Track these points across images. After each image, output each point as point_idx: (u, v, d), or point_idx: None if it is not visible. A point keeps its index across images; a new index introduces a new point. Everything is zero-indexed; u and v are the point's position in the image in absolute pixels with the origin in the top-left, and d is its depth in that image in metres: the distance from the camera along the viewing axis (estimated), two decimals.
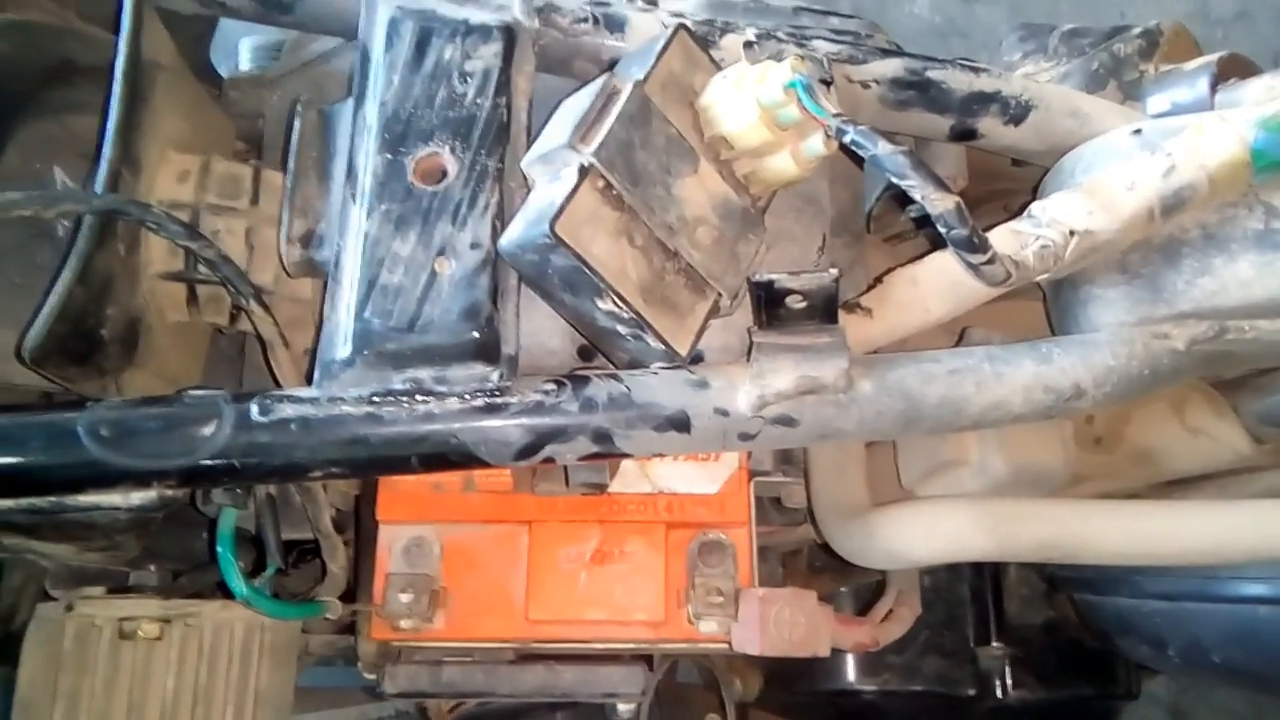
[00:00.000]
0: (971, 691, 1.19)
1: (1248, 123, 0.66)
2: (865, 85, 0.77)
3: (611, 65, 0.74)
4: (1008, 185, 0.92)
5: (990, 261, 0.62)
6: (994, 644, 1.20)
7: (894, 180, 0.61)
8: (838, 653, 1.24)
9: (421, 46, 0.70)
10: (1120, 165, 0.69)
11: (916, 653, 1.21)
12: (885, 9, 2.47)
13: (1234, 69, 0.79)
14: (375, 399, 0.64)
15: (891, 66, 0.77)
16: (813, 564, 1.22)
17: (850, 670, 1.23)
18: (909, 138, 0.93)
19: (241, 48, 1.19)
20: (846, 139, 0.62)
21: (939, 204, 0.60)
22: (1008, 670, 1.20)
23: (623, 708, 1.33)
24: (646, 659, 1.11)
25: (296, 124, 0.72)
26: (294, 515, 0.80)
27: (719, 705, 1.25)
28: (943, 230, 0.62)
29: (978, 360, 0.70)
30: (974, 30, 2.39)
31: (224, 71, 1.04)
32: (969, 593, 1.23)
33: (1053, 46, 0.98)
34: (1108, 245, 0.67)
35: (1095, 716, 1.29)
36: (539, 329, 0.76)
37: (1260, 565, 0.77)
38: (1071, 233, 0.66)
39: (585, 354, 0.77)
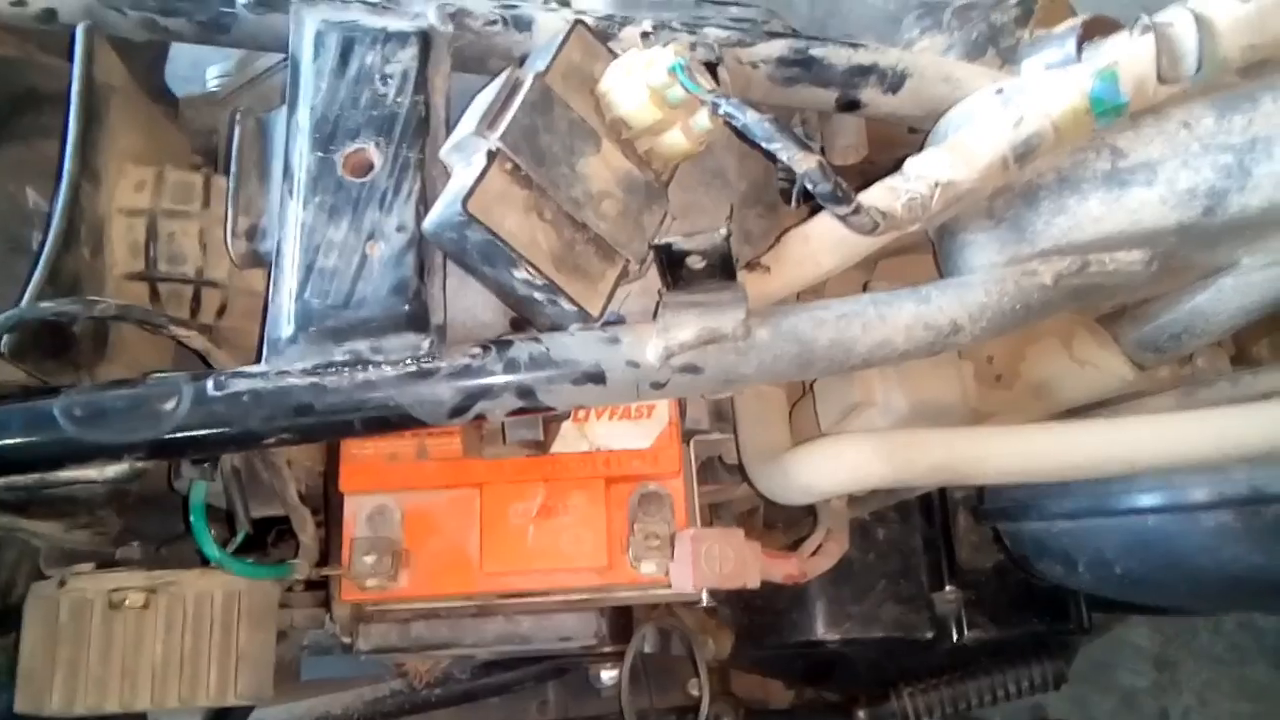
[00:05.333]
0: (929, 635, 1.25)
1: (1087, 74, 0.74)
2: (755, 66, 0.84)
3: (523, 61, 0.81)
4: (907, 152, 0.99)
5: (856, 212, 0.70)
6: (948, 589, 1.26)
7: (762, 145, 0.69)
8: (802, 607, 1.31)
9: (345, 54, 0.78)
10: (981, 121, 0.76)
11: (875, 602, 1.27)
12: None
13: (1098, 29, 0.86)
14: (318, 370, 0.71)
15: (777, 47, 0.84)
16: (768, 521, 1.29)
17: (815, 622, 1.29)
18: (813, 114, 1.01)
19: (208, 73, 1.28)
20: (721, 112, 0.70)
21: (803, 163, 0.68)
22: (962, 613, 1.26)
23: (605, 675, 1.40)
24: (624, 615, 1.18)
25: (236, 131, 0.80)
26: (264, 492, 0.87)
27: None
28: (810, 186, 0.69)
29: (863, 305, 0.77)
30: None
31: None
32: (921, 542, 1.29)
33: (946, 21, 1.05)
34: (970, 193, 0.75)
35: (1052, 651, 1.35)
36: (473, 305, 0.83)
37: (1147, 478, 0.84)
38: (936, 184, 0.74)
39: (517, 325, 0.85)
